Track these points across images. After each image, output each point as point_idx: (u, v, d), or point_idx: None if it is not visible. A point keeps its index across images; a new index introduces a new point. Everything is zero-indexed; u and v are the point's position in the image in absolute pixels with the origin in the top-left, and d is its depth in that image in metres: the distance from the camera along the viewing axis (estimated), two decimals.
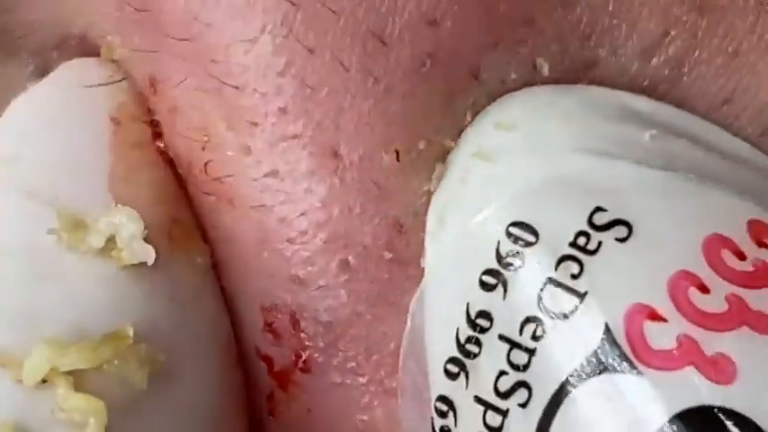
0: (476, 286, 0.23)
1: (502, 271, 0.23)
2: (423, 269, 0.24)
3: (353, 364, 0.25)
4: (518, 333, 0.22)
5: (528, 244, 0.23)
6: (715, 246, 0.22)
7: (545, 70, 0.25)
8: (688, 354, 0.21)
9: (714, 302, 0.21)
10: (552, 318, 0.22)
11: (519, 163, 0.24)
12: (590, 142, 0.24)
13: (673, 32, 0.25)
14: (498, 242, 0.23)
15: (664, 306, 0.21)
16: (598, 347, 0.21)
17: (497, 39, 0.24)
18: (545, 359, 0.22)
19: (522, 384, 0.22)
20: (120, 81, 0.27)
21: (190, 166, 0.26)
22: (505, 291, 0.23)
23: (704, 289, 0.22)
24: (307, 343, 0.25)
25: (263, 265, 0.25)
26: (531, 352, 0.22)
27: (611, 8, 0.25)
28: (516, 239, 0.23)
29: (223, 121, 0.25)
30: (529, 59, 0.25)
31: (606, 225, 0.22)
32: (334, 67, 0.24)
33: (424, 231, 0.25)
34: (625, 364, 0.21)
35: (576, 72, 0.25)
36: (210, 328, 0.26)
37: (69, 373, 0.22)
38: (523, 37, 0.25)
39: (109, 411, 0.22)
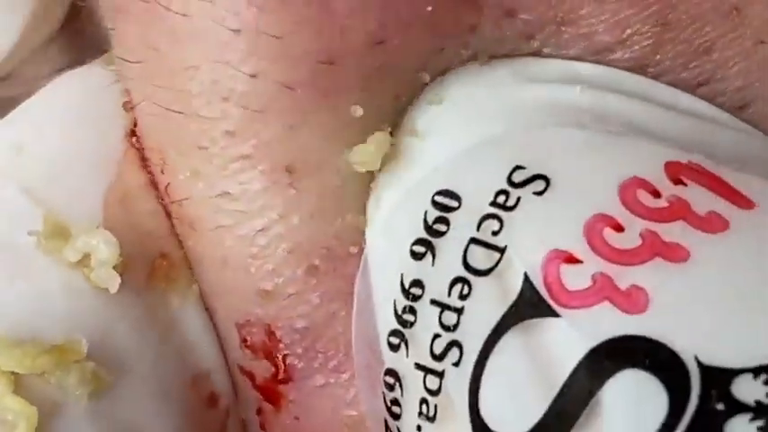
0: (407, 257, 0.23)
1: (430, 239, 0.23)
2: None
3: (335, 362, 0.25)
4: (447, 295, 0.23)
5: (451, 209, 0.23)
6: (631, 188, 0.22)
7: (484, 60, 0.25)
8: (602, 290, 0.21)
9: (628, 239, 0.21)
10: (476, 275, 0.22)
11: (445, 134, 0.24)
12: (516, 109, 0.24)
13: (629, 42, 0.24)
14: (425, 212, 0.23)
15: (579, 248, 0.21)
16: (518, 297, 0.22)
17: (443, 45, 0.25)
18: (472, 316, 0.22)
19: (453, 344, 0.22)
20: None
21: (157, 190, 0.26)
22: (434, 257, 0.23)
23: (619, 228, 0.22)
24: (285, 352, 0.25)
25: (229, 284, 0.25)
26: (460, 311, 0.22)
27: (558, 19, 0.24)
28: (441, 207, 0.23)
29: (173, 145, 0.25)
30: (472, 57, 0.25)
31: (525, 181, 0.23)
32: (280, 90, 0.24)
33: None
34: (543, 308, 0.21)
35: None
36: (174, 365, 0.25)
37: (13, 372, 0.23)
38: (467, 40, 0.25)
39: (41, 418, 0.22)
